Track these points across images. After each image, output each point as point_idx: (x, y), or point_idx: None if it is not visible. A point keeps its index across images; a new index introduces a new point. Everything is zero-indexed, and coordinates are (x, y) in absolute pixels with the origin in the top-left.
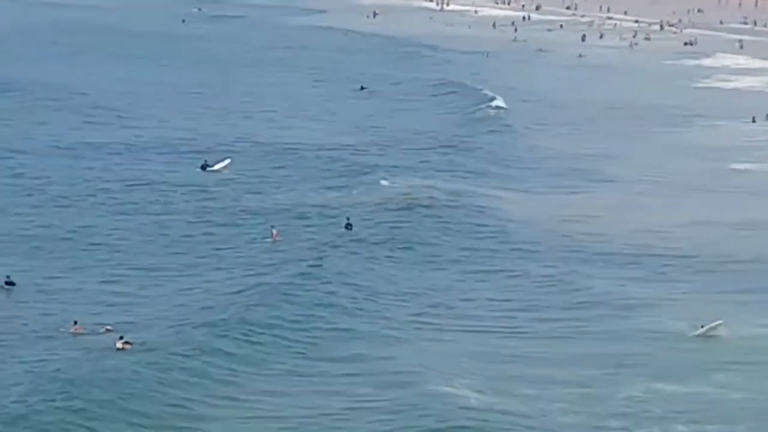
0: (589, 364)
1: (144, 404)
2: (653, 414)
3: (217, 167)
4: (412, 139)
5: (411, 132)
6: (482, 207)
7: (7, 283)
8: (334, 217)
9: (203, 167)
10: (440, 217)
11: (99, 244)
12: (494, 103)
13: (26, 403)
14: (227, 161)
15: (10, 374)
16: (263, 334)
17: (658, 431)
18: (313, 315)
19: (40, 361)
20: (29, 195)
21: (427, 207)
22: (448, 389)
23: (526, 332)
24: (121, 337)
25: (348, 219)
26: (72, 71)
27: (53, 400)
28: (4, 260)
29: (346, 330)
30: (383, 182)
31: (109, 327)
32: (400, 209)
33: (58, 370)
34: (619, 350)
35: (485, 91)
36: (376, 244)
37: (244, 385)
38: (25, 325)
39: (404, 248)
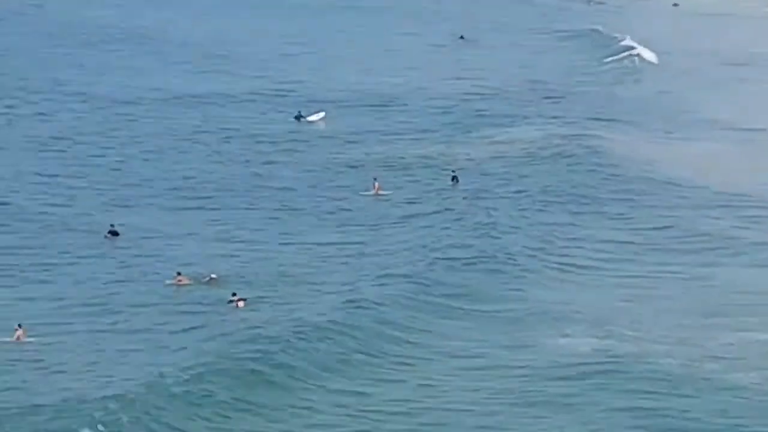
0: None
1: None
2: None
3: (311, 118)
4: (516, 89)
5: (514, 82)
6: (598, 151)
7: (111, 232)
8: (439, 168)
9: (297, 118)
10: (555, 166)
11: (200, 195)
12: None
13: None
14: (322, 114)
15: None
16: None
17: None
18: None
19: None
20: (131, 145)
21: (541, 157)
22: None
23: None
24: (234, 294)
25: (454, 171)
26: (168, 21)
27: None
28: (108, 210)
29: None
30: (489, 133)
31: (213, 275)
32: (508, 159)
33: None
34: None
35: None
36: (484, 197)
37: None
38: (129, 274)
39: (515, 196)
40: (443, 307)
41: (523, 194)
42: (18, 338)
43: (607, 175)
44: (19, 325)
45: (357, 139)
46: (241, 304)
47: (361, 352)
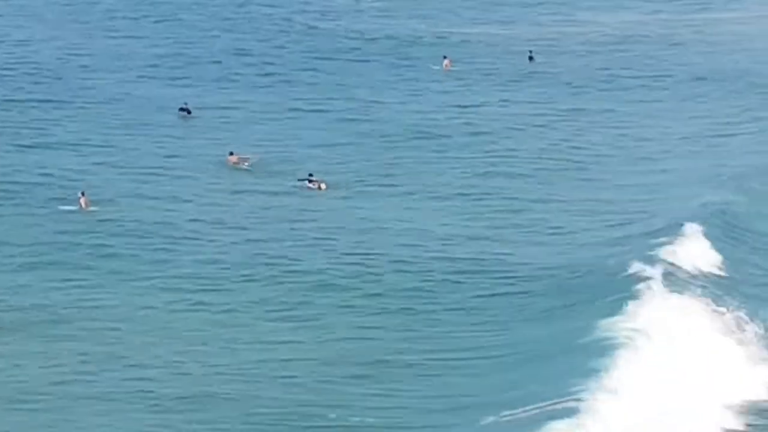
0: None
1: None
2: None
3: None
4: None
5: None
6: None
7: (182, 109)
8: (514, 47)
9: None
10: (628, 52)
11: (268, 71)
12: None
13: None
14: None
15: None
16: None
17: None
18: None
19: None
20: (204, 22)
21: (617, 42)
22: None
23: None
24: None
25: (531, 52)
26: None
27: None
28: (180, 86)
29: None
30: (567, 14)
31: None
32: (586, 43)
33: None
34: None
35: None
36: (556, 75)
37: None
38: (195, 150)
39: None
40: None
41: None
42: (83, 206)
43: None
44: (82, 193)
45: (424, 15)
46: (323, 186)
47: None
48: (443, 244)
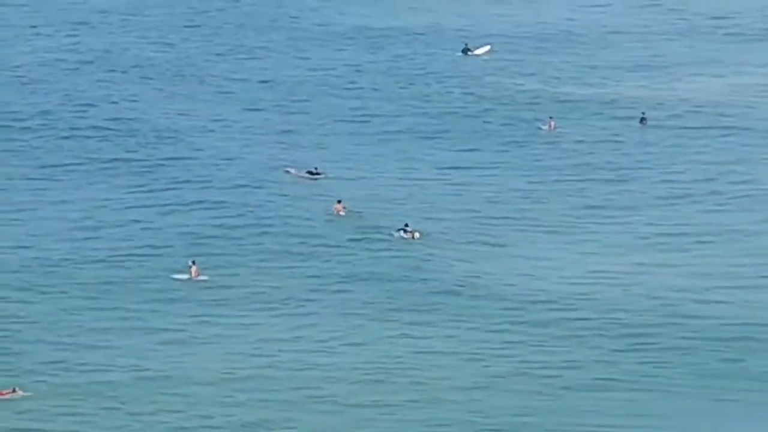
0: None
1: None
2: None
3: (478, 52)
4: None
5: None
6: None
7: (309, 172)
8: (624, 108)
9: (464, 51)
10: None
11: (371, 129)
12: None
13: None
14: (488, 47)
15: None
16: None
17: None
18: None
19: None
20: (306, 83)
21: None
22: None
23: None
24: (407, 225)
25: (643, 113)
26: None
27: None
28: (286, 148)
29: None
30: (678, 75)
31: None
32: (696, 105)
33: None
34: None
35: None
36: (667, 137)
37: None
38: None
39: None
40: None
41: None
42: (193, 275)
43: None
44: (193, 262)
45: (528, 75)
46: (416, 235)
47: None
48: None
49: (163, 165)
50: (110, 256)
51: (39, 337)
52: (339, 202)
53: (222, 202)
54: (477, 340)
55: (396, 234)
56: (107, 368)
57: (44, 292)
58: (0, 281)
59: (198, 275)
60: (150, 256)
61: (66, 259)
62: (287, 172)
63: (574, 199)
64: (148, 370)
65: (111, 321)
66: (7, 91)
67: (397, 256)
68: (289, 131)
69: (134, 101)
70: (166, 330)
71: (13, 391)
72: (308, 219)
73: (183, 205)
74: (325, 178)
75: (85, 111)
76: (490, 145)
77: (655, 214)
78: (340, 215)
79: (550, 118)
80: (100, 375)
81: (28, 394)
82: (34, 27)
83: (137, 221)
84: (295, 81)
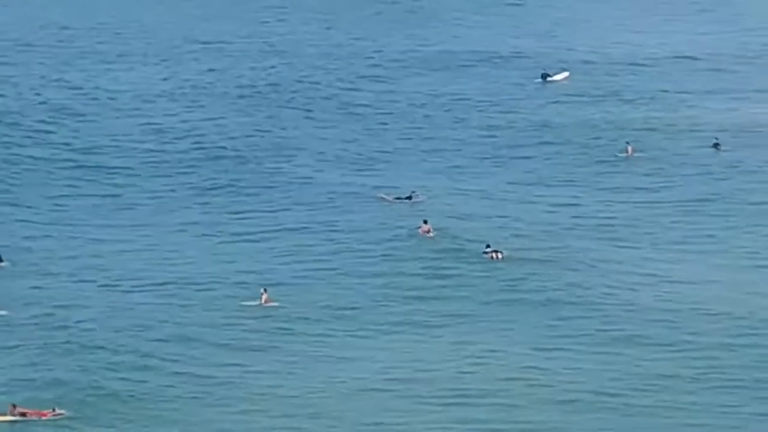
0: None
1: None
2: None
3: (557, 78)
4: None
5: None
6: None
7: (408, 197)
8: (700, 133)
9: (543, 77)
10: None
11: (463, 154)
12: None
13: None
14: (567, 73)
15: None
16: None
17: None
18: None
19: None
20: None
21: None
22: None
23: None
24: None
25: (716, 138)
26: None
27: None
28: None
29: None
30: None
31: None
32: None
33: None
34: None
35: None
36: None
37: None
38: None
39: None
40: None
41: None
42: (263, 302)
43: None
44: (264, 289)
45: (604, 101)
46: (499, 255)
47: None
48: None
49: (254, 189)
50: (181, 279)
51: (100, 357)
52: (425, 222)
53: (306, 225)
54: (571, 358)
55: (483, 254)
56: (166, 386)
57: (111, 309)
58: (82, 302)
59: (268, 303)
60: (235, 283)
61: (136, 283)
62: (381, 198)
63: (654, 220)
64: (208, 394)
65: (174, 345)
66: (103, 120)
67: (483, 276)
68: (375, 157)
69: (221, 126)
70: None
71: (54, 411)
72: (392, 240)
73: (273, 231)
74: (417, 201)
75: (168, 137)
76: (570, 169)
77: (733, 234)
78: (428, 236)
79: (627, 143)
80: (160, 393)
81: (69, 413)
82: (124, 56)
83: (244, 243)
84: (381, 106)
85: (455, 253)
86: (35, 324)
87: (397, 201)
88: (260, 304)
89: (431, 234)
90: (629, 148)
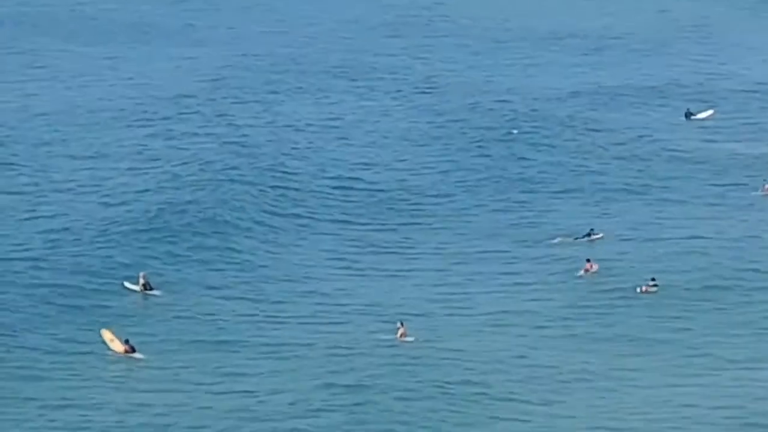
0: None
1: None
2: None
3: (701, 116)
4: None
5: None
6: None
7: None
8: None
9: (687, 115)
10: None
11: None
12: None
13: None
14: (712, 111)
15: None
16: None
17: None
18: None
19: None
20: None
21: None
22: None
23: None
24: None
25: None
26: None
27: None
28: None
29: None
30: None
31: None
32: None
33: None
34: None
35: None
36: None
37: None
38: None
39: None
40: None
41: None
42: (400, 336)
43: None
44: (401, 323)
45: (750, 138)
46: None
47: None
48: None
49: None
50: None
51: None
52: (588, 261)
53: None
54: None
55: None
56: None
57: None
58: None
59: (405, 336)
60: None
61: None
62: (558, 241)
63: None
64: None
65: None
66: (271, 151)
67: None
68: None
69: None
70: None
71: (132, 350)
72: (550, 281)
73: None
74: (600, 238)
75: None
76: (711, 207)
77: None
78: (592, 273)
79: (765, 181)
80: None
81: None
82: (275, 93)
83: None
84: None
85: (618, 291)
86: None
87: (580, 241)
88: (395, 339)
89: (594, 271)
90: (766, 186)
